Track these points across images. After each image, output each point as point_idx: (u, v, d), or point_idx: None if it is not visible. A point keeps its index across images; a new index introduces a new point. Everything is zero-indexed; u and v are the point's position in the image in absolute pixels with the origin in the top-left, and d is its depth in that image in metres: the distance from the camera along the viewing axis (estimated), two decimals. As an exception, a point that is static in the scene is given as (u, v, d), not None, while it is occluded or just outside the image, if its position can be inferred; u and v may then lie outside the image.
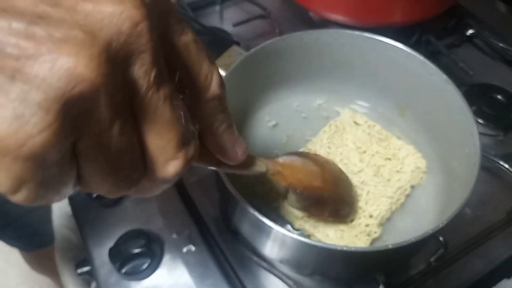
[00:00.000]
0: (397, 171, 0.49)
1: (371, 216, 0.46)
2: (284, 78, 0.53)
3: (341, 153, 0.50)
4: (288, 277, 0.45)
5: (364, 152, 0.50)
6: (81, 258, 0.57)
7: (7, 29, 0.16)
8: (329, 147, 0.51)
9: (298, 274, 0.47)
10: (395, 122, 0.53)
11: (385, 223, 0.48)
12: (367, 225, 0.45)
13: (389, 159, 0.50)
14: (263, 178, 0.47)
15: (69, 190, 0.20)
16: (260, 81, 0.51)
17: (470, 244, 0.51)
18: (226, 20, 0.75)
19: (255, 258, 0.46)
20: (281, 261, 0.42)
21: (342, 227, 0.44)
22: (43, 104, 0.16)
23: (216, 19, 0.75)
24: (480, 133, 0.55)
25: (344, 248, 0.33)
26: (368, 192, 0.47)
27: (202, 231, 0.50)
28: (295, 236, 0.34)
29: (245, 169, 0.33)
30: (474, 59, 0.70)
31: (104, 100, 0.18)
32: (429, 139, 0.50)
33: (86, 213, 0.53)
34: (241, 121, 0.52)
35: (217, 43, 0.53)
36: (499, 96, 0.61)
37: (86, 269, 0.53)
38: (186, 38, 0.23)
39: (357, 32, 0.49)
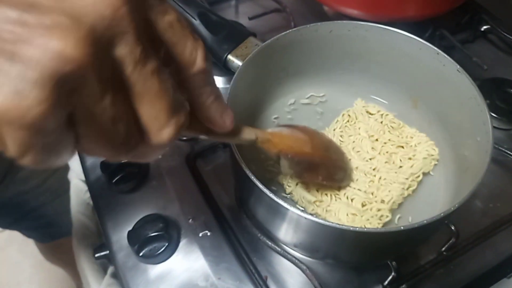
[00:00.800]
0: (409, 158, 0.50)
1: (382, 201, 0.47)
2: (298, 70, 0.54)
3: (353, 142, 0.51)
4: (301, 262, 0.46)
5: (377, 140, 0.51)
6: (97, 244, 0.59)
7: (3, 17, 0.19)
8: (341, 136, 0.52)
9: (311, 259, 0.48)
10: (408, 113, 0.54)
11: (397, 210, 0.48)
12: (378, 210, 0.46)
13: (402, 146, 0.51)
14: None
15: (69, 154, 0.23)
16: (274, 72, 0.52)
17: (481, 236, 0.51)
18: (241, 14, 0.76)
19: (269, 243, 0.47)
20: (295, 245, 0.43)
21: (353, 210, 0.45)
22: (39, 81, 0.19)
23: (232, 13, 0.76)
24: (493, 127, 0.56)
25: (357, 229, 0.34)
26: (380, 178, 0.48)
27: (217, 217, 0.52)
28: (309, 216, 0.35)
29: (235, 138, 0.35)
30: (488, 54, 0.70)
31: (93, 76, 0.20)
32: (442, 129, 0.50)
33: (104, 199, 0.55)
34: (256, 110, 0.54)
35: (234, 34, 0.54)
36: (512, 91, 0.62)
37: (104, 253, 0.54)
38: (170, 18, 0.25)
39: (370, 24, 0.49)
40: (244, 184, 0.43)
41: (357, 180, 0.49)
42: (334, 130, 0.53)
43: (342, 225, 0.34)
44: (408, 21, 0.63)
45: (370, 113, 0.54)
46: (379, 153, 0.50)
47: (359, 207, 0.47)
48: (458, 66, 0.45)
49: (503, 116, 0.59)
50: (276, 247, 0.47)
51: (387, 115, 0.53)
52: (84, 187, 0.69)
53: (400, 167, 0.49)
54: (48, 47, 0.19)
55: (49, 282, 1.43)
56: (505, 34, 0.70)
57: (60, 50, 0.19)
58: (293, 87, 0.56)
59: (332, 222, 0.34)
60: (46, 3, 0.20)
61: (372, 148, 0.50)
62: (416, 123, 0.53)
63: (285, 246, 0.48)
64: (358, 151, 0.50)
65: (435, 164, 0.51)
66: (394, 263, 0.45)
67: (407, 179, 0.48)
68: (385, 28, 0.49)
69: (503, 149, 0.55)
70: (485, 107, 0.42)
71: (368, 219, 0.45)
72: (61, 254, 1.05)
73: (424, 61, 0.48)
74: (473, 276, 0.49)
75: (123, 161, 0.54)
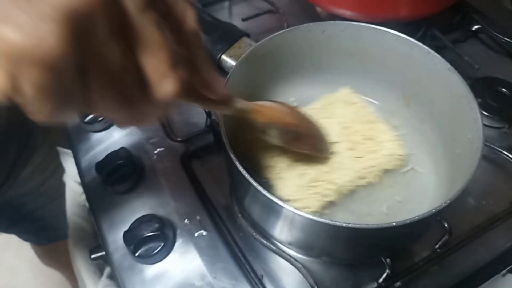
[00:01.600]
0: (372, 151, 0.50)
1: (331, 183, 0.48)
2: (292, 69, 0.55)
3: (322, 123, 0.52)
4: (296, 260, 0.46)
5: (346, 127, 0.52)
6: (93, 246, 0.59)
7: None
8: (315, 115, 0.53)
9: (305, 257, 0.48)
10: (400, 112, 0.54)
11: (389, 206, 0.49)
12: (325, 189, 0.47)
13: (369, 139, 0.51)
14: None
15: (77, 107, 0.24)
16: (268, 72, 0.53)
17: (474, 233, 0.52)
18: (235, 15, 0.77)
19: (264, 242, 0.47)
20: (290, 243, 0.44)
21: (302, 183, 0.47)
22: (58, 20, 0.20)
23: (225, 14, 0.77)
24: (485, 125, 0.57)
25: (350, 225, 0.34)
26: (336, 161, 0.49)
27: (212, 217, 0.52)
28: (304, 214, 0.35)
29: (227, 107, 0.37)
30: (479, 54, 0.71)
31: (103, 18, 0.22)
32: (433, 128, 0.51)
33: (100, 200, 0.55)
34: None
35: (228, 34, 0.55)
36: (504, 89, 0.62)
37: (100, 254, 0.54)
38: None
39: (362, 24, 0.50)
40: (239, 183, 0.43)
41: (313, 158, 0.50)
42: (309, 109, 0.54)
43: (335, 221, 0.35)
44: (400, 21, 0.63)
45: (350, 102, 0.54)
46: (344, 140, 0.51)
47: (307, 181, 0.48)
48: (449, 65, 0.46)
49: (495, 114, 0.60)
50: (271, 246, 0.47)
51: (366, 107, 0.54)
52: (80, 189, 0.69)
53: (360, 157, 0.50)
54: None
55: (46, 286, 1.43)
56: (496, 33, 0.71)
57: None
58: (286, 86, 0.57)
59: (326, 219, 0.35)
60: None
61: (338, 133, 0.51)
62: (408, 121, 0.54)
63: (280, 245, 0.48)
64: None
65: (399, 165, 0.51)
66: (388, 260, 0.45)
67: (363, 169, 0.49)
68: (377, 28, 0.50)
69: (495, 147, 0.56)
70: (476, 105, 0.42)
71: (312, 194, 0.47)
72: (58, 257, 1.04)
73: (415, 60, 0.49)
74: (467, 272, 0.50)
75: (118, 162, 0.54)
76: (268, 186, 0.46)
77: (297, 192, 0.47)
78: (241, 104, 0.38)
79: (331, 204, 0.48)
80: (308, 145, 0.48)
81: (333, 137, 0.51)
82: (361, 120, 0.53)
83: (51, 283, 1.40)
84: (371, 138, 0.51)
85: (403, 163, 0.51)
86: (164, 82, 0.25)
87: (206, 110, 0.58)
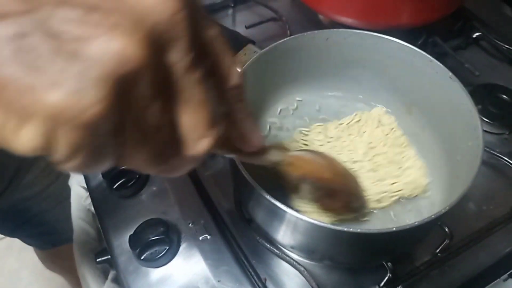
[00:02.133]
0: (394, 176, 0.50)
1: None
2: (295, 76, 0.56)
3: (351, 140, 0.52)
4: (299, 263, 0.47)
5: (372, 148, 0.52)
6: (98, 250, 0.60)
7: (65, 18, 0.19)
8: (342, 131, 0.53)
9: (308, 260, 0.49)
10: (402, 120, 0.55)
11: (389, 212, 0.49)
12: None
13: (393, 163, 0.51)
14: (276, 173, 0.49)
15: (110, 161, 0.23)
16: (272, 78, 0.54)
17: (475, 238, 0.52)
18: (238, 23, 0.78)
19: (268, 245, 0.48)
20: (293, 247, 0.44)
21: None
22: (99, 80, 0.19)
23: (229, 21, 0.78)
24: (486, 132, 0.58)
25: (351, 230, 0.35)
26: None
27: (216, 222, 0.53)
28: (307, 218, 0.36)
29: (261, 158, 0.36)
30: (480, 61, 0.72)
31: (147, 79, 0.21)
32: (435, 136, 0.51)
33: (105, 204, 0.56)
34: (255, 115, 0.55)
35: (233, 41, 0.56)
36: (504, 96, 0.63)
37: (105, 258, 0.55)
38: (214, 32, 0.26)
39: (365, 32, 0.51)
40: (243, 188, 0.44)
41: None
42: (340, 124, 0.54)
43: (337, 226, 0.35)
44: (401, 28, 0.64)
45: (381, 123, 0.54)
46: (368, 160, 0.51)
47: None
48: (450, 73, 0.47)
49: (495, 120, 0.61)
50: (275, 250, 0.48)
51: (395, 130, 0.53)
52: (85, 193, 0.70)
53: (381, 180, 0.50)
54: (109, 46, 0.19)
55: (48, 290, 1.43)
56: (497, 41, 0.71)
57: (120, 49, 0.19)
58: (290, 93, 0.57)
59: (328, 224, 0.36)
60: (107, 5, 0.20)
61: (364, 153, 0.51)
62: (410, 129, 0.54)
63: (283, 249, 0.49)
64: (350, 150, 0.52)
65: (415, 194, 0.50)
66: (390, 264, 0.46)
67: (381, 193, 0.49)
68: (380, 36, 0.50)
69: (496, 153, 0.56)
70: (476, 113, 0.43)
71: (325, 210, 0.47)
72: (60, 261, 1.05)
73: (417, 68, 0.50)
74: (467, 277, 0.50)
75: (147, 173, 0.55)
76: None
77: (308, 205, 0.47)
78: (276, 155, 0.37)
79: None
80: (342, 202, 0.46)
81: (357, 156, 0.51)
82: (390, 143, 0.52)
83: (53, 287, 1.40)
84: (396, 162, 0.51)
85: (421, 192, 0.50)
86: (199, 142, 0.25)
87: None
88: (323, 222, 0.36)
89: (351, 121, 0.54)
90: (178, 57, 0.22)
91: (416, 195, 0.50)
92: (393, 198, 0.49)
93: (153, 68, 0.21)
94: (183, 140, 0.25)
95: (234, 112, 0.29)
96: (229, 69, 0.27)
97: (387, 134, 0.53)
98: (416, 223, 0.36)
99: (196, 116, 0.24)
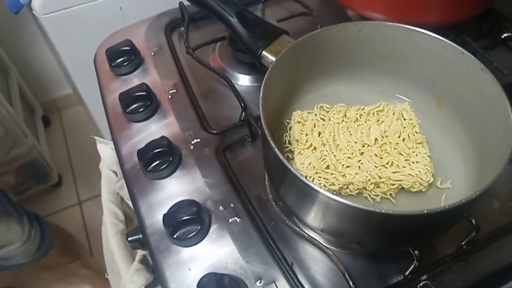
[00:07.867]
0: (397, 166, 0.50)
1: (343, 176, 0.49)
2: (327, 67, 0.57)
3: (367, 125, 0.53)
4: (327, 247, 0.48)
5: (385, 137, 0.53)
6: (127, 231, 0.62)
7: None
8: (361, 115, 0.54)
9: (335, 247, 0.50)
10: (432, 112, 0.56)
11: (421, 201, 0.50)
12: (335, 178, 0.49)
13: (401, 154, 0.51)
14: None
15: None
16: (305, 68, 0.55)
17: (500, 232, 0.53)
18: (268, 17, 0.79)
19: (297, 229, 0.49)
20: (322, 230, 0.45)
21: (316, 164, 0.50)
22: None
23: (259, 15, 0.79)
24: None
25: (383, 211, 0.36)
26: (359, 160, 0.50)
27: (245, 206, 0.54)
28: (338, 198, 0.37)
29: None
30: (508, 61, 0.72)
31: None
32: (464, 127, 0.52)
33: (139, 185, 0.57)
34: (285, 103, 0.56)
35: (269, 32, 0.57)
36: (532, 95, 0.63)
37: (136, 237, 0.57)
38: None
39: (397, 24, 0.52)
40: (276, 171, 0.45)
41: (341, 149, 0.51)
42: (362, 109, 0.55)
43: (368, 207, 0.36)
44: (431, 26, 0.65)
45: (403, 118, 0.55)
46: (378, 147, 0.52)
47: (323, 166, 0.50)
48: (482, 65, 0.47)
49: (523, 119, 0.61)
50: (304, 233, 0.49)
51: (414, 126, 0.54)
52: (115, 177, 0.72)
53: (383, 166, 0.50)
54: None
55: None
56: (526, 41, 0.72)
57: None
58: (321, 83, 0.58)
59: (359, 205, 0.37)
60: None
61: (376, 138, 0.52)
62: (440, 121, 0.55)
63: (311, 233, 0.50)
64: (362, 133, 0.53)
65: (417, 187, 0.50)
66: (416, 252, 0.47)
67: (379, 177, 0.49)
68: (412, 29, 0.51)
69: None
70: (508, 103, 0.44)
71: (321, 177, 0.49)
72: None
73: (448, 61, 0.50)
74: (492, 270, 0.51)
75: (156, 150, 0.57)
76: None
77: (308, 171, 0.49)
78: None
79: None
80: None
81: (368, 140, 0.52)
82: (405, 136, 0.53)
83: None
84: (405, 155, 0.51)
85: (422, 188, 0.50)
86: None
87: (242, 104, 0.60)
88: (355, 203, 0.37)
89: (374, 109, 0.55)
90: None
91: (417, 190, 0.50)
92: (393, 186, 0.50)
93: None
94: None
95: None
96: None
97: (404, 127, 0.54)
98: (447, 206, 0.37)
99: None
